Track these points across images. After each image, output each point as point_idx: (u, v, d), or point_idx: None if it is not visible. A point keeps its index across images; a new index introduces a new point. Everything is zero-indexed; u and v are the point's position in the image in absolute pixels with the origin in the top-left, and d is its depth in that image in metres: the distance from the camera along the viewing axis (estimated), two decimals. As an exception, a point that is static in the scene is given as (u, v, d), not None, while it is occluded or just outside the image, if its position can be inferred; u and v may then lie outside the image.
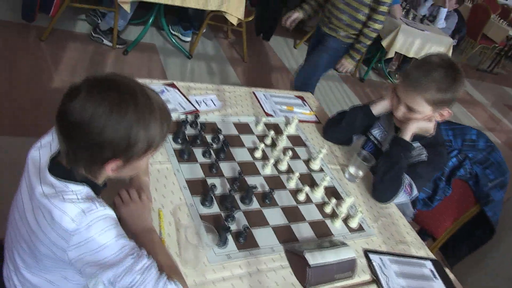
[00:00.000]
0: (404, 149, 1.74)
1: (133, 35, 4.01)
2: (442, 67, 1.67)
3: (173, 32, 4.24)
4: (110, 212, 1.08)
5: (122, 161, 1.05)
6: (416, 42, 4.86)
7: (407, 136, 1.74)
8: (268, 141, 1.82)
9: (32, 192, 1.08)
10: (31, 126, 2.67)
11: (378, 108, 1.88)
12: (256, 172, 1.65)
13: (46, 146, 1.17)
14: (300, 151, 1.87)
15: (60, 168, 1.08)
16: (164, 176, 1.46)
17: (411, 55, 4.96)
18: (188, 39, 4.30)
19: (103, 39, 3.77)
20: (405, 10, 4.97)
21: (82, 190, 1.07)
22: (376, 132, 2.00)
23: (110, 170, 1.06)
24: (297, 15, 3.11)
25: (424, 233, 2.49)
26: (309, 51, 3.41)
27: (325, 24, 3.04)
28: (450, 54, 5.10)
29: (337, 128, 1.97)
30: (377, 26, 2.85)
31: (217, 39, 4.67)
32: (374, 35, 2.89)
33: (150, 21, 3.86)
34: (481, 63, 8.01)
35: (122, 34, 3.88)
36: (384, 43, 4.77)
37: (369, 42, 2.94)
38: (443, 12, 5.27)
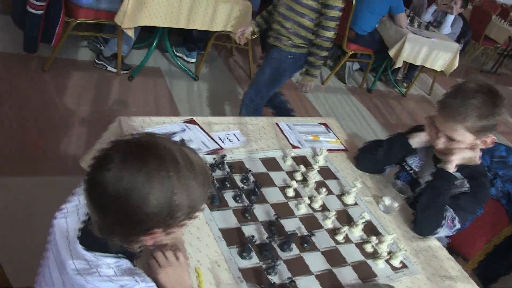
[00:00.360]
0: (447, 181, 1.65)
1: (137, 59, 3.93)
2: (481, 93, 1.58)
3: (177, 54, 4.16)
4: (151, 284, 0.98)
5: (162, 230, 0.96)
6: (423, 49, 4.79)
7: (451, 168, 1.66)
8: (299, 176, 1.73)
9: (62, 267, 0.99)
10: (40, 163, 2.57)
11: (416, 141, 1.80)
12: (290, 213, 1.56)
13: (73, 213, 1.07)
14: (332, 184, 1.78)
15: (93, 239, 0.98)
16: (197, 227, 1.36)
17: (418, 63, 4.89)
18: (193, 60, 4.21)
19: (107, 66, 3.69)
20: (409, 18, 4.90)
21: (119, 263, 0.98)
22: (412, 162, 1.91)
23: (149, 240, 0.97)
24: (249, 28, 2.91)
25: (451, 251, 2.40)
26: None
27: (271, 34, 2.79)
28: (457, 59, 5.04)
29: (372, 159, 1.88)
30: (329, 33, 2.55)
31: (221, 58, 4.59)
32: (327, 44, 2.59)
33: (154, 44, 3.78)
34: (484, 64, 7.95)
35: (125, 59, 3.79)
36: (391, 52, 4.69)
37: (324, 53, 2.64)
38: (450, 18, 5.21)
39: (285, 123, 2.03)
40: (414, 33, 4.66)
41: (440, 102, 1.66)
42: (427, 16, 5.46)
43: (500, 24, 7.32)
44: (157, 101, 3.56)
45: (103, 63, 3.68)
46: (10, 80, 3.18)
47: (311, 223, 1.56)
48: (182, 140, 1.66)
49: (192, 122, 1.80)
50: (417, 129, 1.89)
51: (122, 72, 3.71)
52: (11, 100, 3.00)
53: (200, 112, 3.60)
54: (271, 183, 1.66)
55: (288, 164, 1.78)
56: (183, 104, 3.63)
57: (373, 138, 4.20)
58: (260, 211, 1.51)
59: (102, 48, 3.78)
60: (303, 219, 1.56)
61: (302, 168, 1.72)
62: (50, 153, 2.67)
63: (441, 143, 1.69)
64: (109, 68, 3.69)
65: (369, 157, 1.90)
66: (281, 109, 3.20)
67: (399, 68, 5.27)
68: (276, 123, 2.01)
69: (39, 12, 3.12)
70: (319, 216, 1.60)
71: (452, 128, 1.62)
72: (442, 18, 5.40)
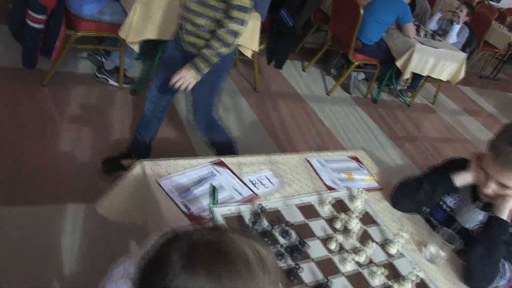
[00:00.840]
0: (503, 229, 1.53)
1: (139, 72, 3.75)
2: None
3: (180, 65, 3.98)
4: None
5: None
6: (430, 60, 4.68)
7: (504, 214, 1.53)
8: (339, 225, 1.59)
9: None
10: (43, 190, 2.40)
11: (461, 181, 1.67)
12: (336, 271, 1.42)
13: None
14: (373, 231, 1.65)
15: None
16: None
17: (425, 73, 4.78)
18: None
19: (109, 79, 3.51)
20: (415, 27, 4.77)
21: None
22: (449, 200, 1.78)
23: None
24: None
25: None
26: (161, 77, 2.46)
27: (183, 38, 2.25)
28: (463, 69, 4.94)
29: (411, 199, 1.75)
30: (235, 26, 2.02)
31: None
32: (230, 39, 2.06)
33: (158, 56, 3.60)
34: (483, 70, 7.88)
35: (127, 71, 3.61)
36: (399, 63, 4.57)
37: (223, 49, 2.08)
38: (456, 28, 5.10)
39: (316, 159, 1.89)
40: (422, 43, 4.53)
41: (494, 148, 1.52)
42: (432, 24, 5.35)
43: (499, 29, 7.24)
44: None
45: (104, 77, 3.50)
46: (6, 96, 2.99)
47: (358, 281, 1.42)
48: (214, 189, 1.50)
49: (221, 163, 1.64)
50: (457, 163, 1.77)
51: (124, 86, 3.53)
52: (7, 116, 2.81)
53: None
54: (312, 234, 1.51)
55: (326, 210, 1.64)
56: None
57: (381, 151, 4.18)
58: (306, 271, 1.36)
59: (103, 60, 3.60)
60: (350, 277, 1.42)
61: (343, 215, 1.58)
62: (49, 176, 2.50)
63: (491, 188, 1.57)
64: (111, 82, 3.51)
65: (408, 198, 1.77)
66: (223, 149, 2.66)
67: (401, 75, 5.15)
68: (307, 160, 1.86)
69: (39, 26, 2.94)
70: (365, 272, 1.46)
71: (508, 176, 1.49)
72: (448, 27, 5.29)
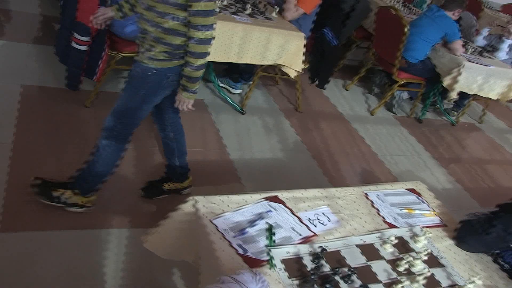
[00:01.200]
0: None
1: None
2: None
3: (221, 85, 3.94)
4: None
5: None
6: (479, 78, 4.50)
7: None
8: (403, 267, 1.47)
9: None
10: (86, 214, 2.36)
11: None
12: (403, 322, 1.30)
13: None
14: (438, 274, 1.53)
15: None
16: None
17: (473, 92, 4.60)
18: (238, 91, 3.99)
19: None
20: (463, 44, 4.60)
21: None
22: (521, 240, 1.64)
23: None
24: (108, 13, 2.28)
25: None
26: None
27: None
28: (514, 87, 4.72)
29: (480, 240, 1.62)
30: (200, 34, 1.85)
31: (265, 87, 4.36)
32: (199, 48, 1.88)
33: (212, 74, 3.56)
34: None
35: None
36: (445, 82, 4.41)
37: (200, 61, 1.92)
38: (506, 43, 4.91)
39: (374, 193, 1.78)
40: (470, 61, 4.36)
41: None
42: (480, 40, 5.16)
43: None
44: (204, 137, 3.34)
45: (146, 98, 3.47)
46: (50, 116, 2.99)
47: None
48: (271, 228, 1.41)
49: (276, 199, 1.56)
50: None
51: (165, 106, 3.49)
52: (49, 137, 2.81)
53: (250, 148, 3.37)
54: (375, 278, 1.40)
55: (388, 250, 1.53)
56: (231, 140, 3.40)
57: (427, 173, 4.01)
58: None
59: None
60: (419, 328, 1.30)
61: (407, 257, 1.46)
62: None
63: None
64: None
65: (476, 238, 1.64)
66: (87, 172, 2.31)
67: (446, 93, 4.97)
68: (365, 194, 1.76)
69: (84, 48, 2.95)
70: (435, 322, 1.34)
71: None
72: (497, 42, 5.10)
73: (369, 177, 3.56)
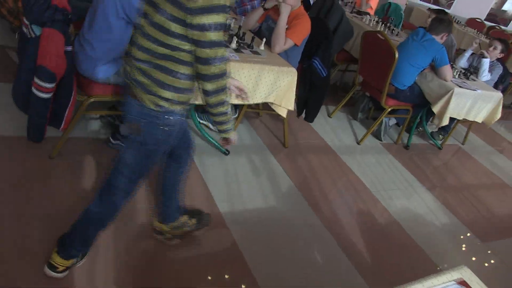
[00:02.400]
0: None
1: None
2: None
3: (201, 121, 3.52)
4: None
5: None
6: (468, 103, 4.27)
7: None
8: None
9: None
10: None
11: None
12: None
13: None
14: None
15: None
16: None
17: (461, 117, 4.37)
18: (220, 128, 3.58)
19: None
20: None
21: None
22: None
23: None
24: None
25: None
26: None
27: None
28: (500, 110, 4.54)
29: None
30: (207, 85, 1.59)
31: (248, 120, 3.98)
32: (212, 100, 1.62)
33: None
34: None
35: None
36: (436, 109, 4.16)
37: (218, 110, 1.67)
38: (486, 62, 4.70)
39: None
40: (460, 87, 4.11)
41: None
42: (463, 62, 4.94)
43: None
44: (188, 186, 2.91)
45: (120, 143, 3.02)
46: (8, 171, 2.52)
47: None
48: None
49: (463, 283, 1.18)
50: None
51: (142, 151, 3.05)
52: (8, 198, 2.34)
53: (239, 197, 2.98)
54: None
55: None
56: (218, 188, 3.00)
57: (425, 209, 3.69)
58: None
59: (117, 123, 3.14)
60: None
61: None
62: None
63: None
64: (128, 148, 3.03)
65: None
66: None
67: (431, 117, 4.74)
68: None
69: (48, 96, 2.48)
70: None
71: None
72: (478, 63, 4.88)
73: (368, 221, 3.23)
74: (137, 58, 1.64)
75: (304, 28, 3.12)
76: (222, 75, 1.58)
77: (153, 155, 1.85)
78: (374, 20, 5.42)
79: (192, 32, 1.48)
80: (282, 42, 3.06)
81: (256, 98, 2.93)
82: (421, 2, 9.20)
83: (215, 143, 3.39)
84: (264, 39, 3.09)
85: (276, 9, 3.24)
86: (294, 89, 3.00)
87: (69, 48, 2.43)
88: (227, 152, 3.36)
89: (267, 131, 3.92)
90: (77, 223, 1.95)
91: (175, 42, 1.52)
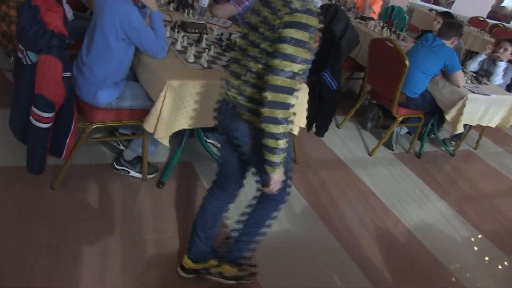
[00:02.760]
0: None
1: (162, 154, 3.14)
2: None
3: (208, 140, 3.36)
4: None
5: None
6: (481, 108, 4.10)
7: None
8: None
9: None
10: None
11: None
12: None
13: None
14: None
15: None
16: None
17: (475, 123, 4.19)
18: (229, 148, 3.41)
19: (130, 170, 2.88)
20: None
21: None
22: None
23: None
24: None
25: None
26: None
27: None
28: (513, 113, 4.35)
29: None
30: (281, 113, 1.54)
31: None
32: (271, 128, 1.56)
33: (184, 141, 2.97)
34: None
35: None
36: (449, 116, 3.99)
37: (277, 130, 1.57)
38: (501, 66, 4.53)
39: None
40: (473, 92, 3.95)
41: None
42: (474, 66, 4.78)
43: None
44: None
45: (125, 168, 2.87)
46: (6, 204, 2.36)
47: None
48: None
49: None
50: None
51: (149, 176, 2.90)
52: (8, 232, 2.18)
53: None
54: None
55: None
56: (230, 210, 2.82)
57: (443, 222, 3.51)
58: None
59: (122, 148, 2.98)
60: None
61: None
62: None
63: None
64: (133, 174, 2.89)
65: None
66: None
67: (442, 123, 4.58)
68: None
69: (47, 126, 2.31)
70: None
71: None
72: (490, 67, 4.72)
73: (385, 236, 3.07)
74: (243, 81, 1.69)
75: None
76: (285, 89, 1.52)
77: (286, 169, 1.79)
78: (379, 25, 5.25)
79: (271, 45, 1.53)
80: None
81: (266, 117, 2.76)
82: (422, 3, 9.04)
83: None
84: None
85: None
86: (306, 105, 2.83)
87: (68, 74, 2.27)
88: (236, 172, 3.19)
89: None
90: (240, 237, 2.14)
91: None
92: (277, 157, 1.61)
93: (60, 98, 2.28)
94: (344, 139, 4.28)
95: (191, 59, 2.57)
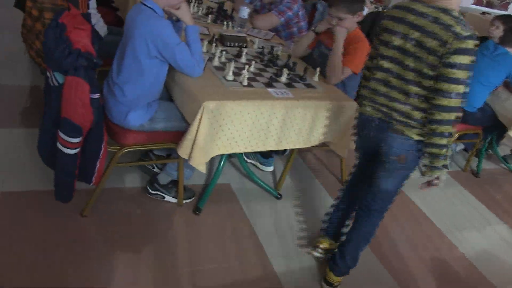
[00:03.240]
0: None
1: (199, 177, 2.89)
2: None
3: (248, 161, 3.10)
4: None
5: None
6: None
7: None
8: None
9: None
10: None
11: None
12: None
13: None
14: None
15: None
16: None
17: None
18: (270, 168, 3.16)
19: (165, 195, 2.66)
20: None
21: None
22: None
23: None
24: None
25: None
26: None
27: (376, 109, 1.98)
28: None
29: None
30: (446, 129, 1.75)
31: (299, 154, 3.52)
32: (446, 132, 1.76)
33: (222, 163, 2.72)
34: None
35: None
36: (505, 119, 3.57)
37: (442, 141, 1.76)
38: None
39: None
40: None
41: None
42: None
43: None
44: (237, 241, 2.50)
45: (159, 193, 2.64)
46: (33, 231, 2.17)
47: None
48: None
49: None
50: None
51: (185, 201, 2.66)
52: (35, 262, 1.97)
53: (295, 252, 2.53)
54: None
55: None
56: (270, 241, 2.57)
57: (508, 252, 3.14)
58: None
59: (156, 171, 2.76)
60: None
61: None
62: None
63: None
64: (168, 198, 2.66)
65: None
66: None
67: (501, 138, 4.14)
68: None
69: (75, 151, 2.10)
70: None
71: None
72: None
73: (441, 268, 2.71)
74: (393, 99, 1.85)
75: (364, 54, 2.66)
76: (451, 108, 1.67)
77: (407, 178, 2.06)
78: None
79: (440, 69, 1.65)
80: (339, 72, 2.60)
81: (314, 139, 2.47)
82: (473, 6, 8.49)
83: (265, 186, 2.95)
84: (318, 69, 2.64)
85: (329, 33, 2.79)
86: (351, 124, 2.52)
87: (96, 96, 2.05)
88: (279, 196, 2.92)
89: (321, 166, 3.45)
90: (345, 247, 2.24)
91: (428, 83, 1.71)
92: (440, 162, 1.80)
93: (88, 122, 2.07)
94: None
95: (230, 76, 2.31)
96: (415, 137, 1.83)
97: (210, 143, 2.14)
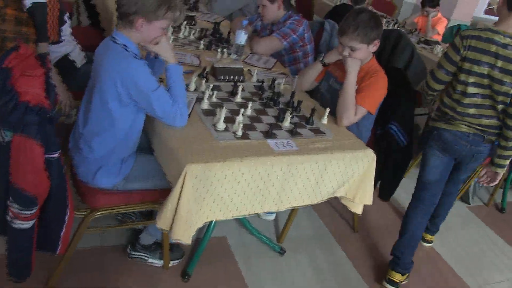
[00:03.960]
0: None
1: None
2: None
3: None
4: None
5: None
6: None
7: None
8: None
9: None
10: None
11: None
12: None
13: None
14: None
15: None
16: None
17: None
18: (272, 217, 2.71)
19: (148, 258, 2.21)
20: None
21: None
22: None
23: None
24: None
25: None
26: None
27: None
28: None
29: None
30: None
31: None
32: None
33: (212, 227, 2.27)
34: None
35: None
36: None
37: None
38: None
39: None
40: None
41: None
42: None
43: None
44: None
45: (141, 256, 2.19)
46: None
47: None
48: None
49: None
50: None
51: (172, 263, 2.21)
52: None
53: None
54: None
55: None
56: None
57: None
58: None
59: (138, 227, 2.31)
60: None
61: None
62: None
63: None
64: (151, 262, 2.22)
65: None
66: None
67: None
68: None
69: (29, 225, 1.66)
70: None
71: None
72: None
73: None
74: (481, 116, 2.12)
75: (380, 89, 2.20)
76: None
77: None
78: (445, 50, 4.39)
79: None
80: (351, 113, 2.13)
81: (321, 195, 2.01)
82: (485, 16, 8.00)
83: (266, 240, 2.50)
84: (328, 109, 2.17)
85: (339, 63, 2.33)
86: (373, 178, 2.06)
87: (55, 155, 1.61)
88: (282, 252, 2.46)
89: (332, 211, 2.99)
90: (404, 244, 2.40)
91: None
92: (507, 162, 2.16)
93: (43, 190, 1.62)
94: (410, 190, 3.45)
95: (221, 124, 1.86)
96: (495, 139, 2.16)
97: (196, 213, 1.69)
